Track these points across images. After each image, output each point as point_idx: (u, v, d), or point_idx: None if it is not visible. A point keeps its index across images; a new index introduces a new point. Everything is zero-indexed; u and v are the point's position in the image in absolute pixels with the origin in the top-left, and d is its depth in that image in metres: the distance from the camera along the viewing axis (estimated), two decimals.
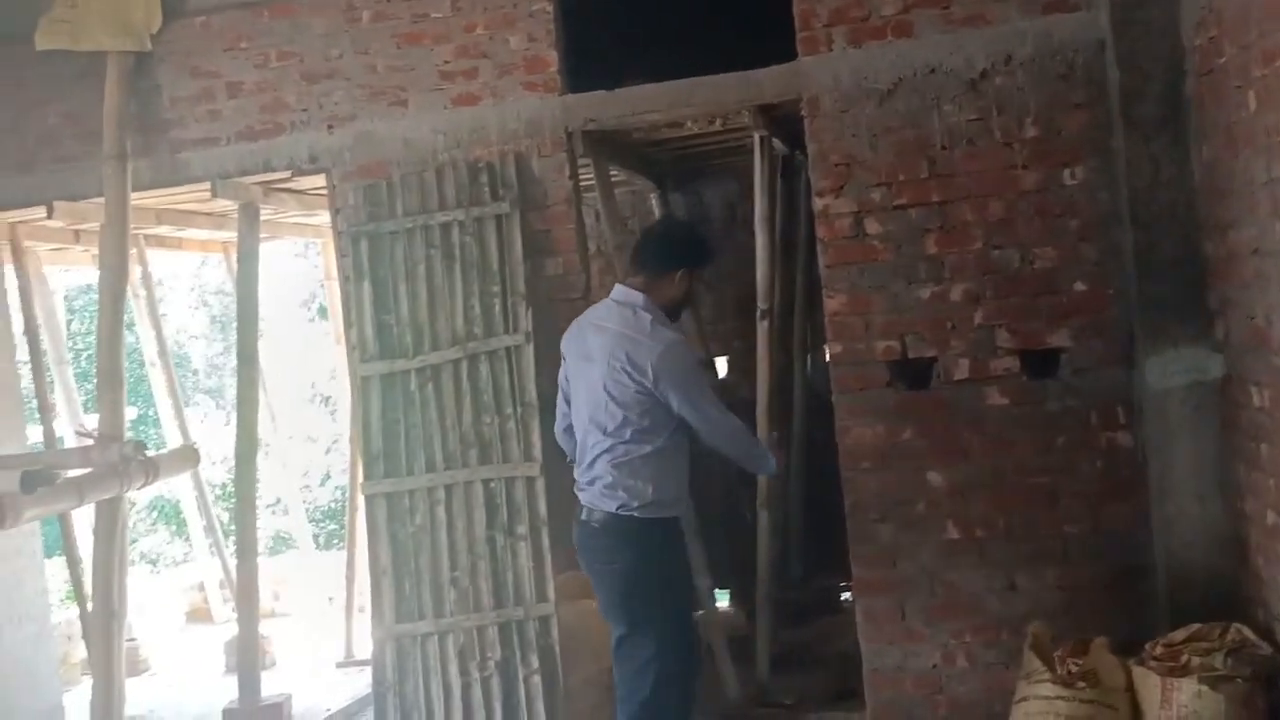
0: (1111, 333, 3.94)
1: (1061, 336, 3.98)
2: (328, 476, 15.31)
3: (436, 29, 4.49)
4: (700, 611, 5.03)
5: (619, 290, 3.47)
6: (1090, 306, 3.96)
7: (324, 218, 6.40)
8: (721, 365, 6.29)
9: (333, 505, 14.74)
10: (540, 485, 4.17)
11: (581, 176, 4.56)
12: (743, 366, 6.19)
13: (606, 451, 3.34)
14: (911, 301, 4.07)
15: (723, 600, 6.01)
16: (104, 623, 4.55)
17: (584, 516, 3.42)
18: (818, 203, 4.15)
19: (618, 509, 3.31)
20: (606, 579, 3.44)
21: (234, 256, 7.20)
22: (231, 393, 15.23)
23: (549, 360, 4.31)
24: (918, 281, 4.07)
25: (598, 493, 3.36)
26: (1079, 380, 3.97)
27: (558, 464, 4.24)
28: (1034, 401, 4.00)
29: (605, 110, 4.33)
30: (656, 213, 5.96)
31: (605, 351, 3.33)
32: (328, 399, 15.19)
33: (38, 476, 3.56)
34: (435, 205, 4.44)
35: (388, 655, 4.21)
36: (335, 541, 13.06)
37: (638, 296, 3.39)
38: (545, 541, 4.12)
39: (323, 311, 14.93)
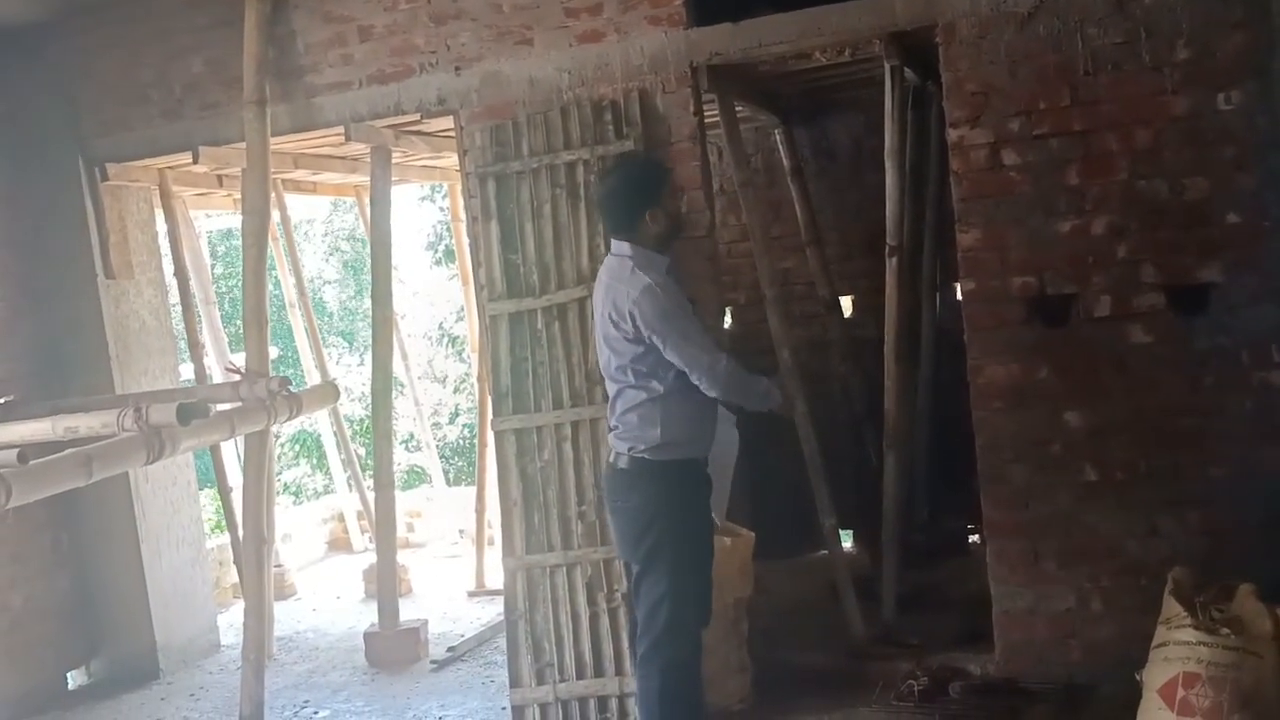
0: (1267, 267, 3.71)
1: (1212, 271, 3.77)
2: (456, 414, 15.75)
3: None
4: (824, 551, 5.05)
5: (613, 244, 3.54)
6: (1244, 239, 3.74)
7: (451, 160, 6.51)
8: (846, 304, 6.19)
9: (461, 442, 15.18)
10: None
11: (706, 113, 4.51)
12: (869, 305, 6.06)
13: (618, 396, 3.47)
14: (1050, 235, 3.92)
15: (847, 541, 6.00)
16: (255, 548, 4.82)
17: (610, 458, 3.56)
18: (952, 134, 4.01)
19: (629, 450, 3.42)
20: (620, 517, 3.53)
21: (366, 200, 7.42)
22: (363, 335, 15.82)
23: None
24: (1057, 215, 3.91)
25: (615, 436, 3.50)
26: (1230, 317, 3.76)
27: None
28: (1180, 340, 3.82)
29: (731, 43, 4.26)
30: (781, 150, 5.85)
31: (600, 303, 3.51)
32: (455, 339, 15.56)
33: (193, 409, 3.76)
34: (560, 144, 4.47)
35: (519, 585, 4.34)
36: (464, 478, 13.49)
37: (624, 245, 3.47)
38: None
39: (449, 254, 15.28)
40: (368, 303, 17.40)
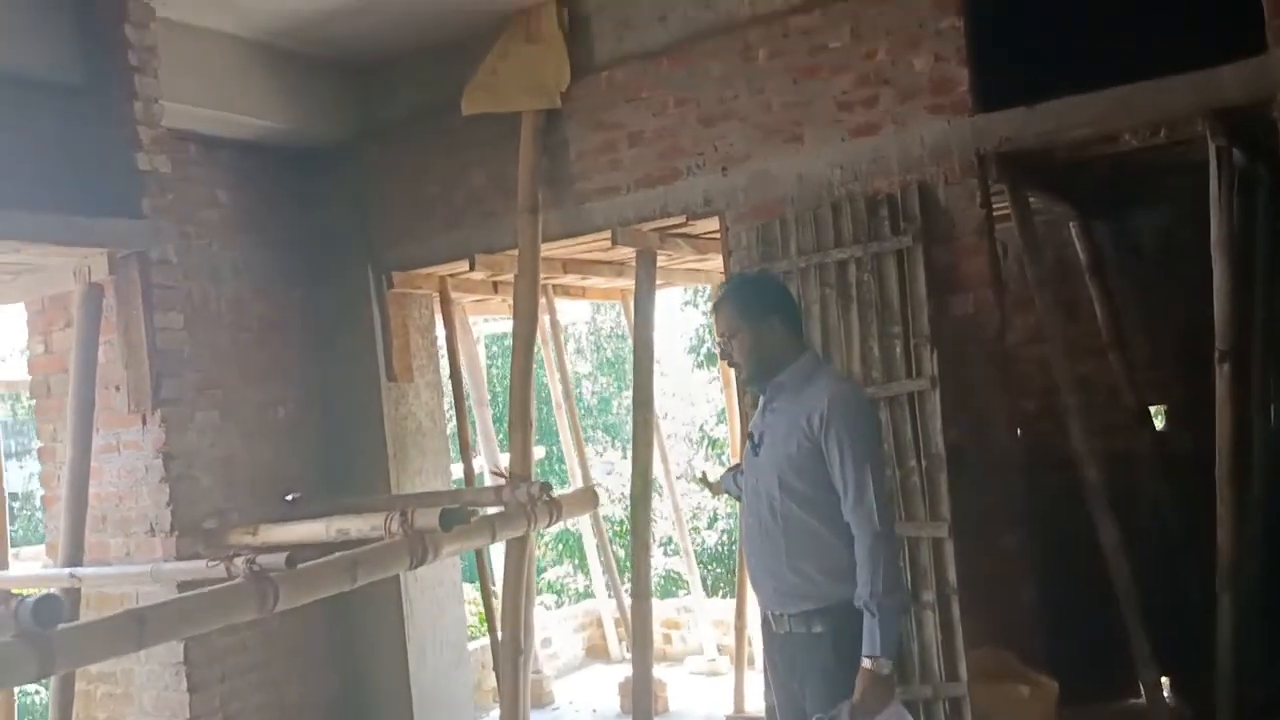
0: None
1: None
2: (715, 519, 15.52)
3: (834, 60, 4.30)
4: (1136, 700, 4.37)
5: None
6: None
7: (716, 262, 6.41)
8: (1156, 415, 5.49)
9: (719, 548, 14.89)
10: (949, 548, 3.76)
11: (993, 205, 4.14)
12: (1185, 418, 5.35)
13: None
14: None
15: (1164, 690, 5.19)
16: (511, 657, 4.73)
17: None
18: None
19: None
20: None
21: (630, 304, 7.46)
22: (627, 429, 16.05)
23: (958, 408, 3.93)
24: None
25: None
26: None
27: (969, 525, 3.83)
28: None
29: (1025, 128, 3.89)
30: (1076, 244, 5.32)
31: None
32: (715, 442, 15.44)
33: (455, 515, 3.72)
34: (831, 242, 4.23)
35: None
36: (722, 585, 13.17)
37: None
38: (955, 612, 3.71)
39: (711, 358, 15.29)
40: (628, 397, 17.62)
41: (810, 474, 2.86)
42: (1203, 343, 4.47)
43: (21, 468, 13.67)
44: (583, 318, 17.16)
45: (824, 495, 2.85)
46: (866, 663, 2.70)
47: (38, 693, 8.51)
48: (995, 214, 4.18)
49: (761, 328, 2.98)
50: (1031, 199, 4.64)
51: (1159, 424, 5.49)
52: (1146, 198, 5.42)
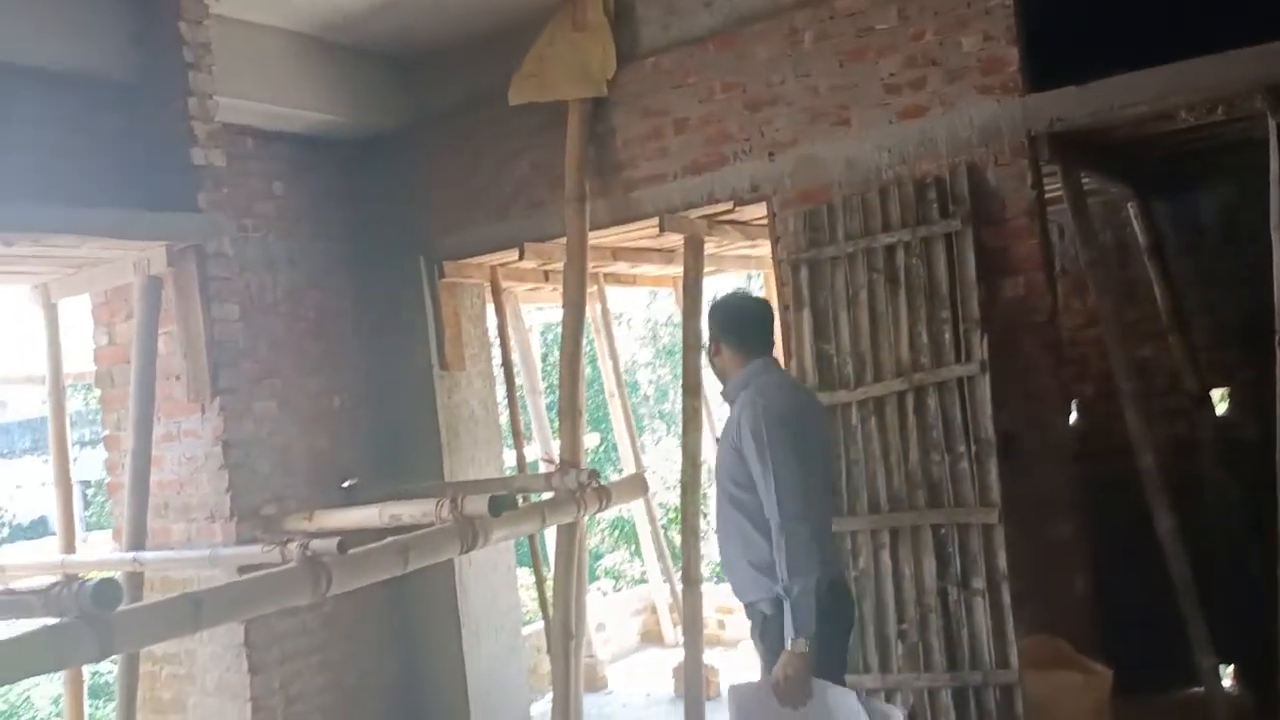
0: None
1: None
2: None
3: (881, 41, 4.25)
4: (1197, 688, 4.28)
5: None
6: None
7: (766, 248, 6.37)
8: (1218, 398, 5.36)
9: None
10: (999, 535, 3.72)
11: (1045, 186, 4.06)
12: (1249, 401, 5.21)
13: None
14: None
15: (1225, 678, 5.08)
16: (561, 642, 4.78)
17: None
18: None
19: None
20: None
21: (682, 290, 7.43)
22: (679, 417, 16.01)
23: (1008, 393, 3.88)
24: None
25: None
26: None
27: (1022, 512, 3.78)
28: None
29: (1077, 107, 3.81)
30: (1135, 225, 5.20)
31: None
32: None
33: (503, 501, 3.77)
34: (879, 226, 4.19)
35: None
36: None
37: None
38: (1005, 599, 3.66)
39: None
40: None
41: (737, 476, 3.11)
42: (1267, 325, 4.36)
43: (95, 454, 14.08)
44: (640, 303, 17.17)
45: (751, 496, 3.06)
46: (787, 642, 2.90)
47: (109, 671, 8.78)
48: (1047, 195, 4.10)
49: (709, 348, 3.36)
50: (1086, 179, 4.56)
51: (1221, 409, 5.35)
52: (1208, 176, 5.29)
